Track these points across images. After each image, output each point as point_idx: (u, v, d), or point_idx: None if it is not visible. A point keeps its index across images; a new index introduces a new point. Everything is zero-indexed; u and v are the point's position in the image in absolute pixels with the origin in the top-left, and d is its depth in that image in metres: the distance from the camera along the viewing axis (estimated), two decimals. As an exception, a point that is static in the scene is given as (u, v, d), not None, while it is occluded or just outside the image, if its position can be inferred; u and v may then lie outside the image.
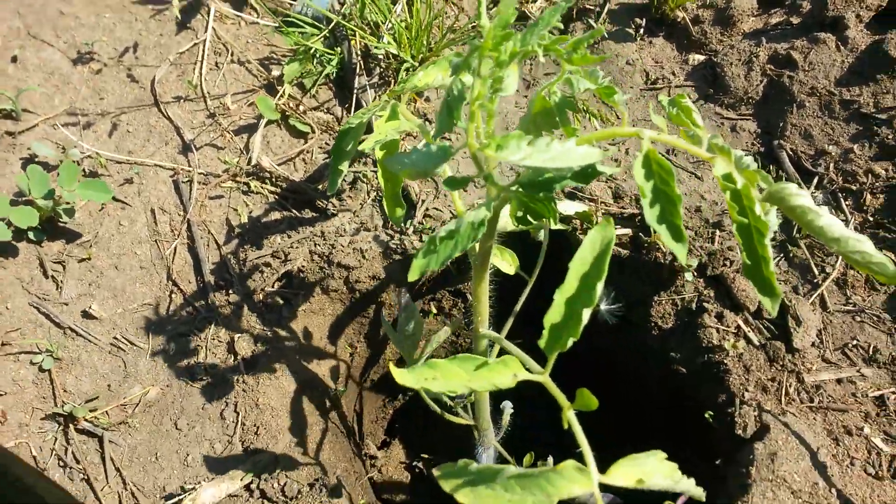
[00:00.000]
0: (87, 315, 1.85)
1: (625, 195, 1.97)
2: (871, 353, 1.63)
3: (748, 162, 0.99)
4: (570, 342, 1.03)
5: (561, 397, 1.06)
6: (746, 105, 2.11)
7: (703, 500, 1.04)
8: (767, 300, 0.97)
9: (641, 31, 2.33)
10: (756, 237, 0.95)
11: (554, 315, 1.07)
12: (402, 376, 1.11)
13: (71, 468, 1.64)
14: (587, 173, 1.09)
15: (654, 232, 1.83)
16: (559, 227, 1.74)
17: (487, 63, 1.00)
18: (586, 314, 1.01)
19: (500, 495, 1.05)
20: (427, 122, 2.22)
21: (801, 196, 0.94)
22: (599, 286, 1.03)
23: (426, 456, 2.40)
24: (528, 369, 1.12)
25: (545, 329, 1.05)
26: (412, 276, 1.10)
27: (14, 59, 2.24)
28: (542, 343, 1.06)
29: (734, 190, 0.95)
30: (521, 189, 1.12)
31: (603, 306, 1.50)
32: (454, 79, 1.06)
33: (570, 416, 1.04)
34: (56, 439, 1.68)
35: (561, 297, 1.07)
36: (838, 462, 1.46)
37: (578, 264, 1.09)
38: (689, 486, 0.99)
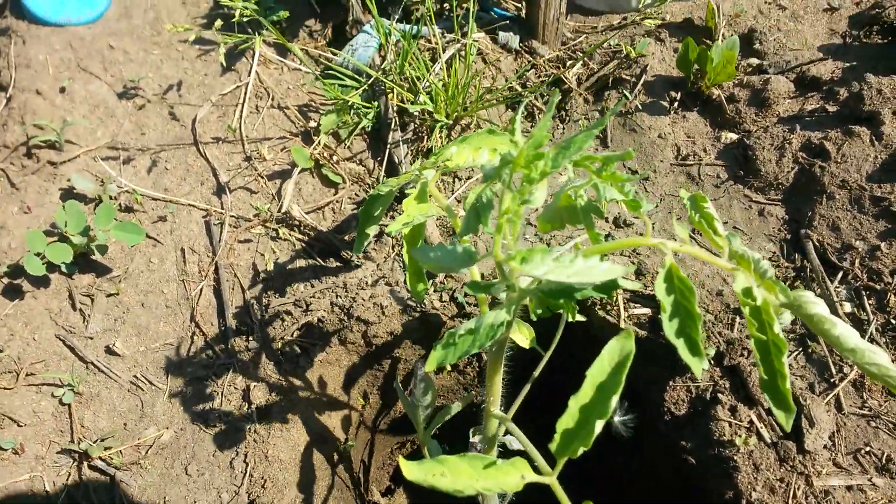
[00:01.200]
0: (110, 351, 1.90)
1: (647, 272, 1.98)
2: (884, 461, 1.61)
3: (766, 267, 1.00)
4: (580, 451, 1.04)
5: (566, 502, 1.07)
6: (776, 190, 2.11)
7: None
8: (782, 415, 0.97)
9: (676, 104, 2.35)
10: (773, 352, 0.96)
11: (567, 421, 1.08)
12: (410, 471, 1.12)
13: (81, 505, 1.68)
14: (608, 287, 1.11)
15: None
16: (579, 318, 1.75)
17: (517, 177, 1.03)
18: (599, 426, 1.02)
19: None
20: (455, 192, 2.25)
21: (818, 305, 0.95)
22: (615, 399, 1.04)
23: (429, 508, 2.40)
24: (536, 469, 1.13)
25: (557, 433, 1.07)
26: (429, 367, 1.13)
27: (62, 90, 2.32)
28: (552, 447, 1.08)
29: (754, 307, 0.96)
30: (542, 294, 1.15)
31: (616, 418, 1.50)
32: (484, 187, 1.08)
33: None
34: (69, 475, 1.72)
35: (575, 404, 1.08)
36: (842, 576, 1.44)
37: (596, 373, 1.10)
38: None
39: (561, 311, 1.37)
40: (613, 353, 1.12)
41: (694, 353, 0.99)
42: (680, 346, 0.99)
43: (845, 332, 0.94)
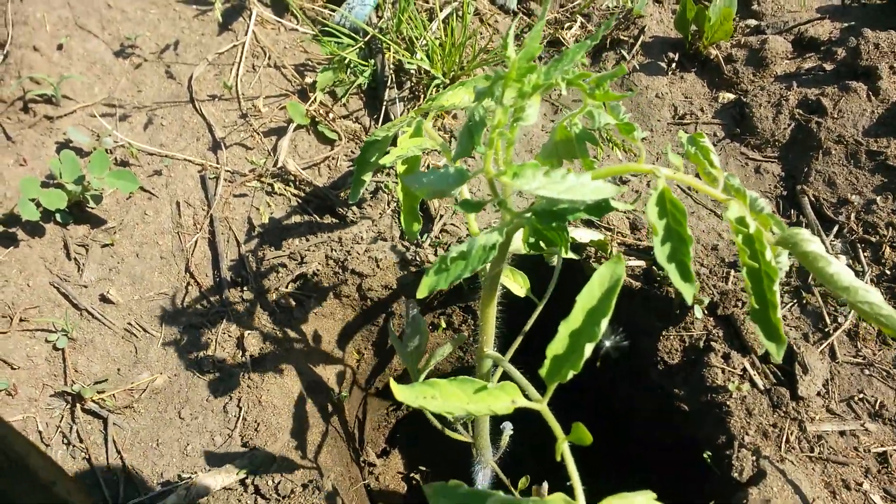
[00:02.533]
0: (104, 299, 1.90)
1: (642, 226, 1.97)
2: (877, 407, 1.61)
3: (762, 205, 1.00)
4: (570, 374, 1.03)
5: (557, 428, 1.07)
6: (772, 147, 2.11)
7: None
8: (773, 345, 0.97)
9: (673, 65, 2.34)
10: (766, 282, 0.95)
11: (557, 347, 1.07)
12: (401, 392, 1.12)
13: (74, 446, 1.68)
14: (600, 207, 1.11)
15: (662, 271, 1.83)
16: (572, 256, 1.75)
17: (510, 92, 1.03)
18: (589, 349, 1.01)
19: (488, 523, 1.06)
20: (452, 140, 2.24)
21: (813, 242, 0.95)
22: (604, 322, 1.03)
23: (424, 468, 2.41)
24: (527, 396, 1.13)
25: (547, 359, 1.06)
26: (421, 293, 1.12)
27: (60, 47, 2.31)
28: (542, 372, 1.07)
29: (746, 234, 0.95)
30: (534, 217, 1.14)
31: (607, 342, 1.50)
32: (477, 105, 1.08)
33: (563, 449, 1.05)
34: (62, 417, 1.72)
35: (565, 329, 1.07)
36: (833, 514, 1.44)
37: (586, 298, 1.09)
38: None
39: (553, 245, 1.36)
40: (603, 278, 1.12)
41: (685, 278, 0.99)
42: (671, 270, 0.99)
43: (840, 271, 0.93)
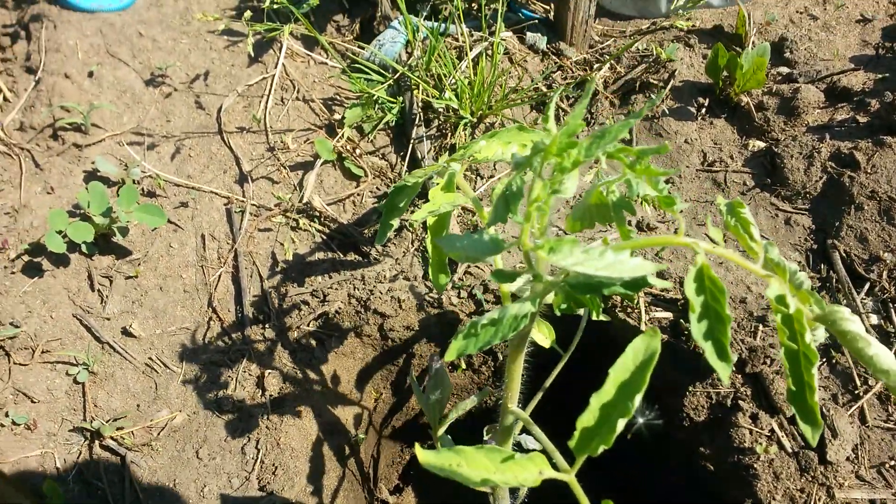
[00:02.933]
0: (126, 332, 1.89)
1: (669, 276, 1.95)
2: (908, 476, 1.57)
3: (802, 279, 0.98)
4: (600, 449, 1.01)
5: (584, 499, 1.05)
6: (803, 200, 2.08)
7: None
8: (808, 429, 0.94)
9: (703, 111, 2.33)
10: (804, 364, 0.93)
11: (588, 419, 1.05)
12: (427, 458, 1.10)
13: (91, 484, 1.67)
14: (637, 283, 1.09)
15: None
16: (601, 318, 1.73)
17: (549, 167, 1.01)
18: (621, 424, 0.99)
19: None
20: (478, 177, 2.24)
21: (853, 322, 0.92)
22: (638, 398, 1.01)
23: (437, 509, 2.38)
24: (554, 466, 1.11)
25: (577, 431, 1.04)
26: (449, 356, 1.10)
27: (91, 75, 2.33)
28: (571, 444, 1.05)
29: (786, 314, 0.93)
30: (569, 287, 1.12)
31: (640, 419, 1.47)
32: (515, 175, 1.07)
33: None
34: (81, 453, 1.71)
35: (597, 401, 1.05)
36: (863, 590, 1.40)
37: (619, 371, 1.07)
38: None
39: (584, 307, 1.34)
40: (638, 352, 1.09)
41: (722, 357, 0.96)
42: (708, 348, 0.96)
43: (880, 353, 0.91)
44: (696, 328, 0.96)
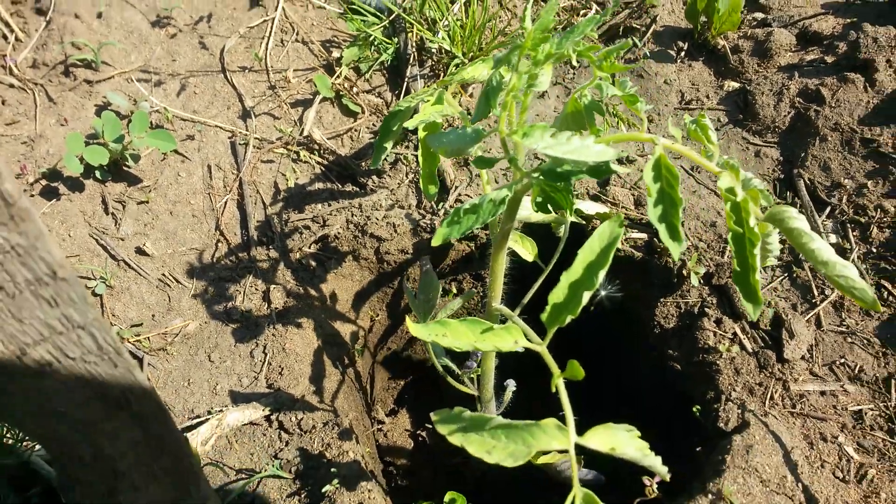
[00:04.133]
0: (140, 251, 2.03)
1: (645, 202, 2.09)
2: (856, 371, 1.74)
3: (756, 183, 1.11)
4: (568, 319, 1.15)
5: (553, 365, 1.20)
6: (773, 133, 2.22)
7: (667, 478, 1.17)
8: (750, 306, 1.08)
9: (682, 53, 2.46)
10: (748, 247, 1.07)
11: (558, 294, 1.19)
12: (416, 329, 1.25)
13: (111, 384, 1.81)
14: (601, 169, 1.23)
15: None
16: (577, 220, 1.88)
17: (525, 61, 1.15)
18: (586, 296, 1.14)
19: (487, 441, 1.19)
20: (468, 113, 2.37)
21: (798, 219, 1.06)
22: (602, 274, 1.15)
23: (430, 426, 2.54)
24: (528, 340, 1.26)
25: (548, 305, 1.18)
26: (435, 241, 1.24)
27: (99, 16, 2.45)
28: (543, 317, 1.19)
29: (734, 202, 1.07)
30: (541, 176, 1.26)
31: (603, 292, 1.63)
32: (494, 72, 1.20)
33: (559, 383, 1.18)
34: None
35: (566, 279, 1.19)
36: (809, 463, 1.57)
37: (586, 253, 1.21)
38: (655, 462, 1.11)
39: (560, 208, 1.49)
40: (603, 235, 1.24)
41: (674, 237, 1.10)
42: (661, 230, 1.10)
43: (821, 247, 1.05)
44: (653, 212, 1.10)
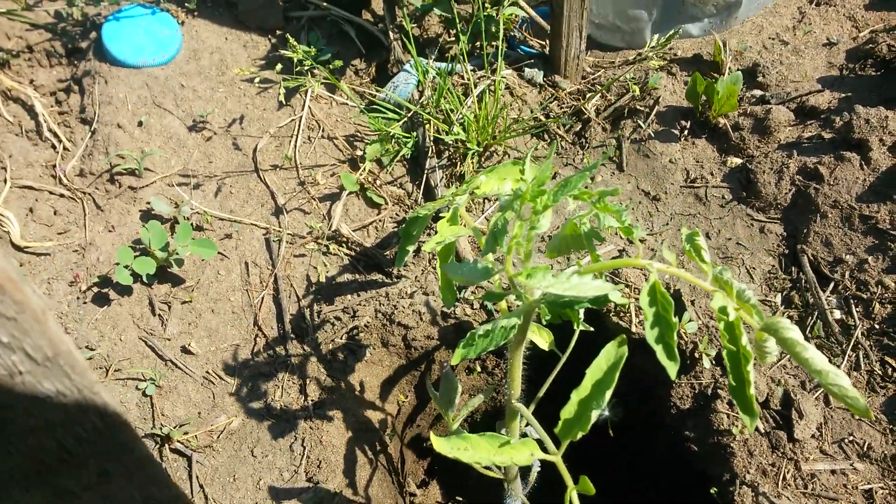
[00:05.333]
0: (185, 350, 2.19)
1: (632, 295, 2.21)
2: (865, 449, 1.82)
3: (750, 296, 1.22)
4: (579, 435, 1.28)
5: (567, 478, 1.31)
6: (775, 209, 2.34)
7: None
8: (747, 419, 1.19)
9: (686, 132, 2.59)
10: (742, 363, 1.17)
11: (568, 411, 1.31)
12: (439, 444, 1.38)
13: (163, 481, 1.96)
14: (599, 300, 1.36)
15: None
16: (586, 327, 1.99)
17: (527, 208, 1.29)
18: (595, 415, 1.26)
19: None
20: (483, 203, 2.52)
21: (792, 330, 1.17)
22: (608, 394, 1.27)
23: (460, 499, 2.64)
24: (544, 450, 1.38)
25: (560, 420, 1.31)
26: (454, 360, 1.38)
27: (140, 124, 2.65)
28: (557, 431, 1.31)
29: (727, 322, 1.18)
30: (546, 306, 1.40)
31: (606, 412, 1.74)
32: (499, 216, 1.34)
33: (573, 496, 1.30)
34: (153, 456, 2.00)
35: (576, 396, 1.32)
36: (822, 546, 1.65)
37: (594, 371, 1.33)
38: None
39: (570, 319, 1.61)
40: (609, 355, 1.36)
41: (670, 357, 1.22)
42: (658, 350, 1.22)
43: (814, 356, 1.15)
44: (650, 333, 1.22)
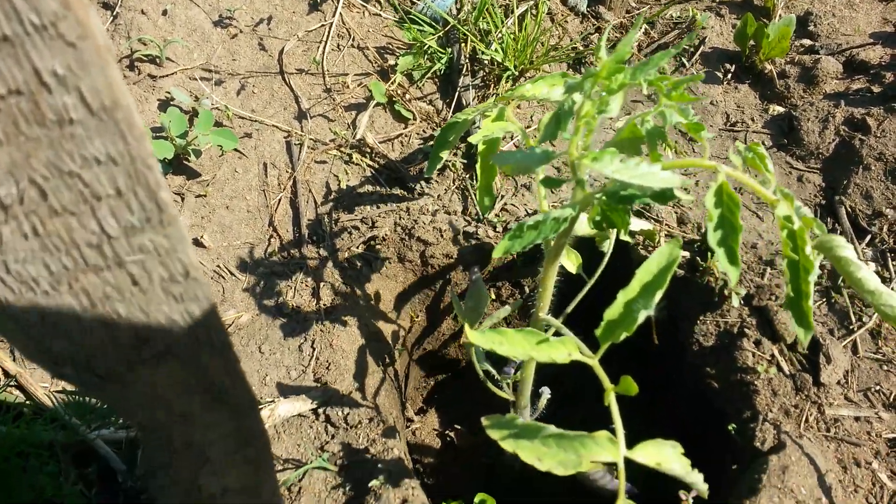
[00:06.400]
0: (197, 243, 2.11)
1: (688, 221, 2.14)
2: (891, 399, 1.77)
3: (806, 212, 1.16)
4: (622, 336, 1.21)
5: (606, 379, 1.25)
6: (816, 159, 2.26)
7: (706, 496, 1.22)
8: (801, 331, 1.13)
9: (729, 76, 2.50)
10: (802, 274, 1.12)
11: (614, 311, 1.24)
12: (474, 336, 1.31)
13: (166, 369, 1.90)
14: (665, 195, 1.28)
15: (711, 256, 2.00)
16: (625, 238, 1.93)
17: (598, 88, 1.21)
18: (642, 316, 1.19)
19: (539, 448, 1.25)
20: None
21: (847, 248, 1.11)
22: (659, 294, 1.21)
23: (458, 427, 2.60)
24: (581, 352, 1.31)
25: (603, 320, 1.24)
26: (497, 252, 1.30)
27: (164, 13, 2.54)
28: (598, 332, 1.25)
29: (790, 230, 1.12)
30: (604, 197, 1.32)
31: (654, 313, 1.69)
32: (567, 96, 1.26)
33: (611, 397, 1.23)
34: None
35: (623, 297, 1.25)
36: (843, 487, 1.61)
37: (644, 273, 1.26)
38: (697, 479, 1.17)
39: (614, 227, 1.54)
40: (663, 256, 1.29)
41: (732, 261, 1.16)
42: (720, 254, 1.16)
43: (867, 276, 1.09)
44: (712, 235, 1.15)
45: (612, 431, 1.18)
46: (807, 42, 2.55)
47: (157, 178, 0.68)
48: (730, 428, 1.80)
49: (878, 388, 1.80)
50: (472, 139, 1.57)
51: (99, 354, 0.82)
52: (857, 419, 1.74)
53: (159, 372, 0.87)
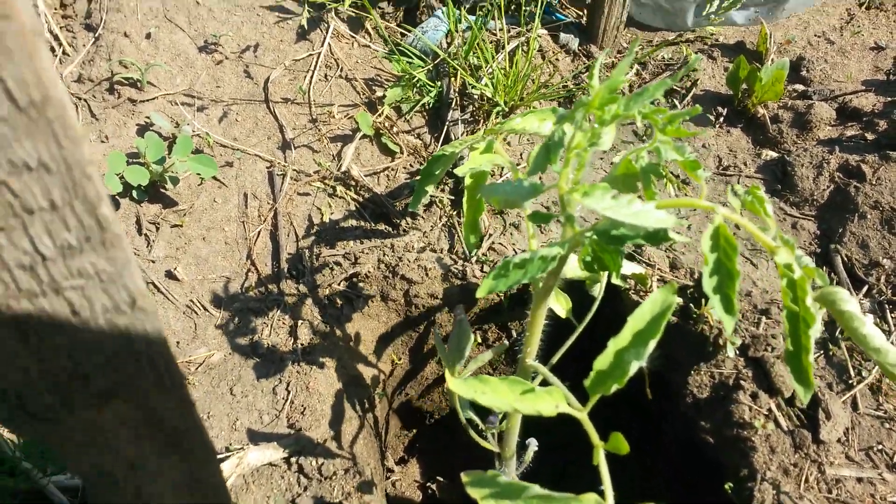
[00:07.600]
0: (170, 275, 2.01)
1: (681, 266, 2.08)
2: (894, 459, 1.69)
3: (807, 261, 1.09)
4: (613, 388, 1.12)
5: (595, 436, 1.16)
6: (810, 206, 2.22)
7: None
8: (801, 389, 1.05)
9: (721, 119, 2.47)
10: (802, 326, 1.04)
11: (604, 361, 1.16)
12: (455, 384, 1.22)
13: (130, 410, 1.78)
14: (658, 236, 1.20)
15: (705, 303, 1.93)
16: (616, 282, 1.85)
17: (589, 120, 1.14)
18: (634, 367, 1.10)
19: (522, 511, 1.15)
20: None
21: (851, 303, 1.04)
22: (652, 344, 1.12)
23: (441, 479, 2.48)
24: (569, 404, 1.22)
25: (593, 371, 1.15)
26: (480, 292, 1.21)
27: (148, 36, 2.47)
28: (587, 383, 1.15)
29: (791, 279, 1.04)
30: (594, 236, 1.24)
31: (645, 364, 1.60)
32: (557, 127, 1.19)
33: (600, 455, 1.14)
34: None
35: (614, 346, 1.16)
36: (845, 553, 1.52)
37: (636, 320, 1.17)
38: None
39: (606, 270, 1.46)
40: (655, 303, 1.21)
41: (728, 310, 1.07)
42: (716, 301, 1.08)
43: (872, 332, 1.02)
44: (708, 282, 1.07)
45: (601, 494, 1.09)
46: (799, 87, 2.53)
47: (97, 189, 0.59)
48: (727, 487, 1.70)
49: (880, 447, 1.72)
50: (458, 171, 1.50)
51: (32, 391, 0.72)
52: (859, 480, 1.66)
53: (104, 413, 0.77)
